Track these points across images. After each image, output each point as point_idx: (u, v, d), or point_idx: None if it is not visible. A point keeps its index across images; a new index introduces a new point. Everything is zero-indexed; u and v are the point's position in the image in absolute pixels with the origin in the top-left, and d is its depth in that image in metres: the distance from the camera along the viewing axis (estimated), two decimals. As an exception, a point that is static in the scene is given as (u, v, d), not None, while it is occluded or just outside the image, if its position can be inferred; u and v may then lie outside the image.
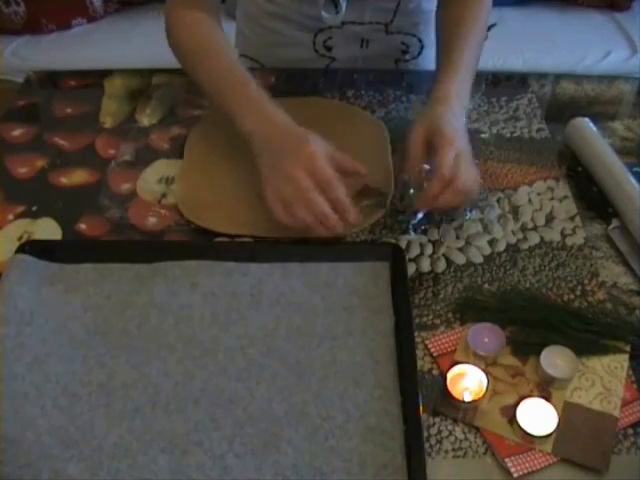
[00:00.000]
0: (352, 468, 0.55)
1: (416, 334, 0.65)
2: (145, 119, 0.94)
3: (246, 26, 1.11)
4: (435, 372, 0.63)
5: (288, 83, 1.04)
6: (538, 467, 0.56)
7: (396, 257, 0.71)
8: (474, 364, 0.62)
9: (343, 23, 1.01)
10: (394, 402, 0.59)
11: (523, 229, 0.78)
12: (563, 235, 0.77)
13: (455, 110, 0.78)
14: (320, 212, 0.68)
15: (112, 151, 0.89)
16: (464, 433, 0.59)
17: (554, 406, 0.59)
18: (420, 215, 0.76)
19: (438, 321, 0.68)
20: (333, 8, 0.97)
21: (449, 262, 0.74)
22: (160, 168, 0.86)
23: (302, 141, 0.71)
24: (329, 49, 1.06)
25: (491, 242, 0.76)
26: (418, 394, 0.59)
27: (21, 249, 0.71)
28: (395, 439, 0.57)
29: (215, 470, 0.55)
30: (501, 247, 0.76)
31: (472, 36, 0.89)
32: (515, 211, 0.80)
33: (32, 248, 0.71)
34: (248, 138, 0.75)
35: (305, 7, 1.00)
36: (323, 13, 0.97)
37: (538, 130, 0.93)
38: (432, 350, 0.65)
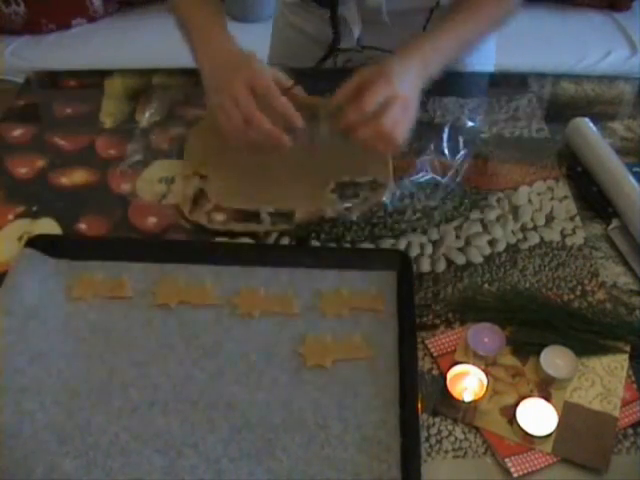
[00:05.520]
0: (346, 479, 0.55)
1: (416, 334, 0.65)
2: (145, 119, 0.94)
3: (277, 36, 1.11)
4: (435, 372, 0.63)
5: (288, 83, 1.04)
6: (538, 467, 0.56)
7: (403, 265, 0.70)
8: (474, 364, 0.62)
9: (363, 47, 1.00)
10: (392, 413, 0.59)
11: (523, 229, 0.78)
12: (563, 235, 0.77)
13: (408, 65, 0.74)
14: (261, 128, 0.69)
15: (112, 151, 0.89)
16: (464, 433, 0.59)
17: (554, 406, 0.59)
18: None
19: (438, 321, 0.68)
20: (347, 30, 0.96)
21: (449, 262, 0.74)
22: (160, 168, 0.86)
23: (245, 61, 0.72)
24: (350, 71, 1.06)
25: (491, 242, 0.76)
26: (418, 408, 0.58)
27: (30, 243, 0.72)
28: (391, 451, 0.56)
29: (209, 473, 0.55)
30: (501, 247, 0.76)
31: (478, 8, 0.83)
32: (515, 211, 0.80)
33: (40, 243, 0.72)
34: (201, 71, 0.77)
35: (323, 26, 0.98)
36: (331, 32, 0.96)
37: (538, 130, 0.93)
38: (432, 350, 0.65)
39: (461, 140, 0.87)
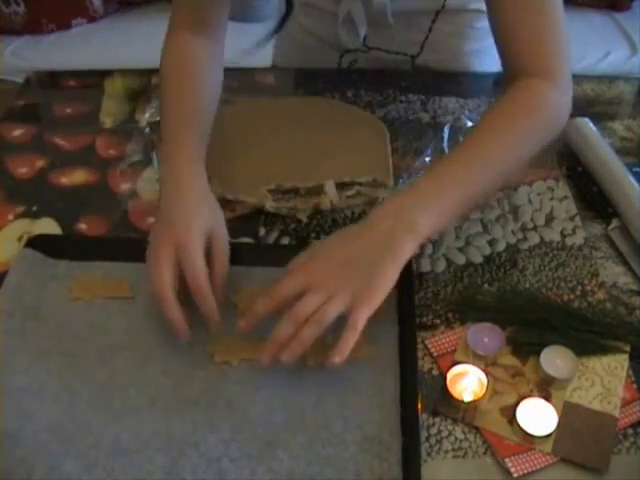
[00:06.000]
0: (347, 478, 0.55)
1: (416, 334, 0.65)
2: (145, 119, 0.94)
3: (282, 36, 1.11)
4: (435, 372, 0.63)
5: (288, 83, 1.04)
6: (538, 467, 0.56)
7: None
8: (474, 364, 0.62)
9: (369, 48, 1.00)
10: (393, 412, 0.58)
11: (523, 229, 0.78)
12: (563, 235, 0.77)
13: (371, 234, 0.61)
14: (165, 313, 0.61)
15: (112, 151, 0.89)
16: (464, 433, 0.59)
17: (554, 406, 0.59)
18: None
19: (438, 321, 0.68)
20: (353, 30, 0.96)
21: (449, 262, 0.74)
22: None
23: (185, 225, 0.63)
24: (353, 71, 1.05)
25: (491, 242, 0.76)
26: (418, 408, 0.58)
27: (30, 243, 0.72)
28: (392, 450, 0.56)
29: (210, 473, 0.55)
30: (501, 247, 0.76)
31: (498, 134, 0.68)
32: (515, 211, 0.80)
33: (40, 243, 0.72)
34: (159, 182, 0.70)
35: (332, 28, 0.98)
36: (340, 32, 0.97)
37: (538, 130, 0.93)
38: (432, 350, 0.65)
39: (461, 140, 0.87)
